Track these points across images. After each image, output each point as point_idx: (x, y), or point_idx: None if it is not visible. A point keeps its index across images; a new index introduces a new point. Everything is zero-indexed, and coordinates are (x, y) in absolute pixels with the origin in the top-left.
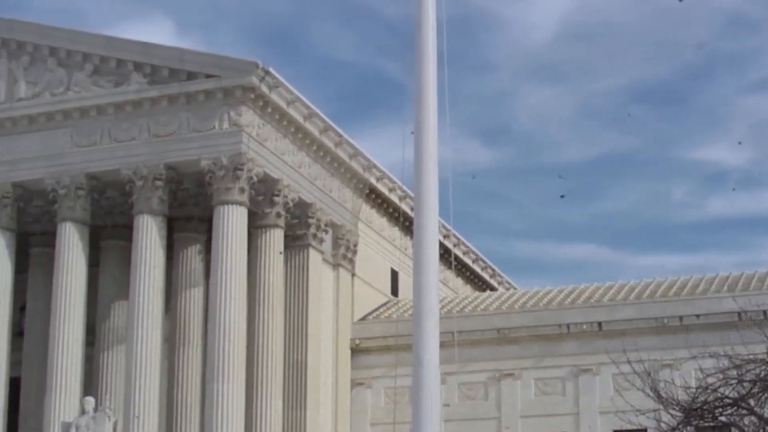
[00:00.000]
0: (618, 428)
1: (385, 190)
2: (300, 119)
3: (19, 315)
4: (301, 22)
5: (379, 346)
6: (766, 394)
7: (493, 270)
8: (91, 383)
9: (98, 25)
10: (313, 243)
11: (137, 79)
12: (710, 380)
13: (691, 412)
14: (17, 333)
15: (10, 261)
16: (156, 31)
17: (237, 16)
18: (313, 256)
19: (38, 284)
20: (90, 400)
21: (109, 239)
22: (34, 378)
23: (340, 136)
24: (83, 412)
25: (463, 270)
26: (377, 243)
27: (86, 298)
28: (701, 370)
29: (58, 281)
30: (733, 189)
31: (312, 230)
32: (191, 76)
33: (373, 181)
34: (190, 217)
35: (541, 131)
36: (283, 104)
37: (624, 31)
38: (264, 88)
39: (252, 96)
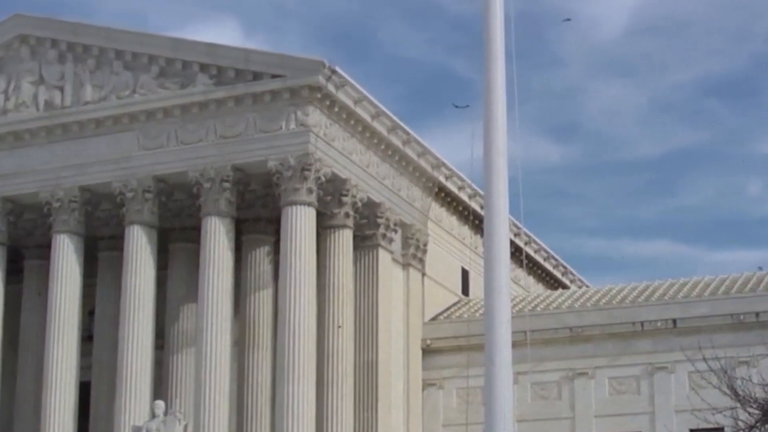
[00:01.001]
0: (694, 427)
1: (454, 189)
2: (367, 118)
3: (89, 319)
4: (367, 21)
5: (451, 346)
6: None
7: (565, 268)
8: (160, 387)
9: (163, 27)
10: (383, 243)
11: (203, 80)
12: None
13: None
14: (87, 337)
15: (78, 265)
16: (222, 33)
17: (303, 17)
18: (383, 256)
19: (107, 288)
20: (160, 404)
21: (177, 242)
22: (104, 382)
23: (408, 134)
24: (153, 415)
25: (534, 268)
26: (447, 242)
27: (155, 301)
28: None
29: (126, 285)
30: None
31: (381, 230)
32: (257, 76)
33: (442, 179)
34: (258, 219)
35: (612, 127)
36: (350, 103)
37: (695, 24)
38: (331, 88)
39: (319, 95)
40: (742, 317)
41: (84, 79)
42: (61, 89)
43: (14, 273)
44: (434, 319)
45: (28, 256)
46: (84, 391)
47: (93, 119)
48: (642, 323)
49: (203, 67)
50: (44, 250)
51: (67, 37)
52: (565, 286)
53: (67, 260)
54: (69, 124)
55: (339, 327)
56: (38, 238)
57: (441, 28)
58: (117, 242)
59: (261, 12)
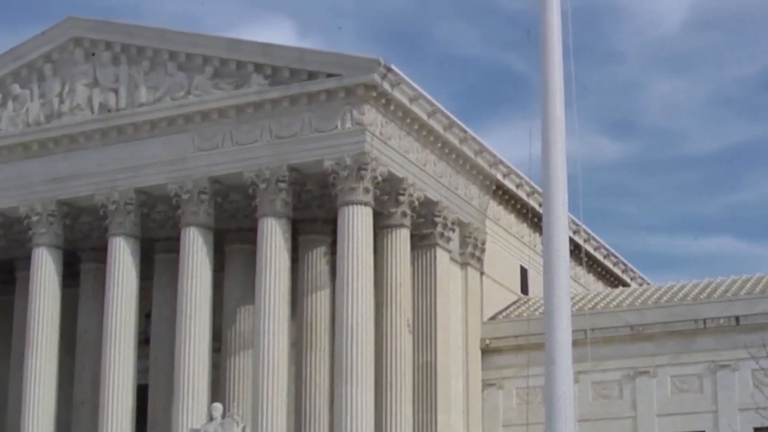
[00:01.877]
0: (759, 425)
1: (512, 186)
2: (424, 116)
3: (145, 322)
4: (422, 20)
5: (510, 346)
6: None
7: (625, 265)
8: (218, 389)
9: (216, 29)
10: (440, 242)
11: (258, 80)
12: None
13: None
14: (143, 340)
15: (135, 268)
16: (276, 33)
17: (357, 16)
18: (441, 256)
19: (164, 290)
20: (218, 407)
21: (234, 243)
22: (162, 385)
23: (464, 132)
24: (211, 418)
25: (594, 266)
26: (505, 240)
27: (212, 303)
28: None
29: (183, 287)
30: None
31: (439, 229)
32: (312, 75)
33: (499, 177)
34: (314, 219)
35: (671, 122)
36: (406, 101)
37: (755, 17)
38: (386, 86)
39: (374, 94)
40: None
41: (138, 81)
42: (116, 91)
43: (71, 276)
44: (493, 318)
45: (85, 260)
46: (141, 394)
47: (148, 121)
48: (704, 321)
49: (258, 67)
50: (100, 253)
51: (121, 38)
52: (625, 284)
53: (123, 263)
54: (124, 126)
55: (408, 327)
56: (94, 241)
57: (496, 24)
58: (173, 244)
59: (315, 12)
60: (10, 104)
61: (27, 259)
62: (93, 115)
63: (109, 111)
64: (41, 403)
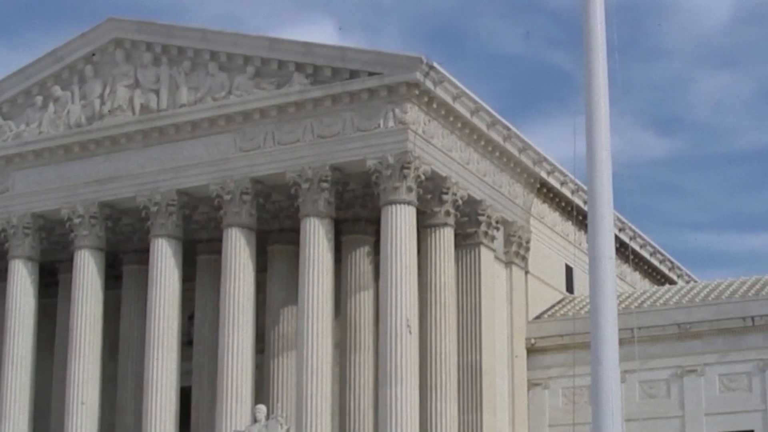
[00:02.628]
0: None
1: (556, 184)
2: (467, 114)
3: (188, 324)
4: (464, 17)
5: (556, 345)
6: None
7: (672, 263)
8: (262, 391)
9: (257, 29)
10: (485, 241)
11: (299, 79)
12: None
13: None
14: (187, 342)
15: (177, 269)
16: (317, 33)
17: (399, 15)
18: (485, 255)
19: (206, 292)
20: (262, 408)
21: (276, 244)
22: (205, 387)
23: (508, 129)
24: (255, 420)
25: (640, 264)
26: (550, 239)
27: (255, 304)
28: None
29: (226, 288)
30: None
31: (483, 228)
32: (354, 74)
33: (544, 175)
34: (357, 219)
35: (718, 118)
36: (448, 99)
37: None
38: (429, 84)
39: (417, 92)
40: None
41: (179, 82)
42: (157, 92)
43: (113, 279)
44: (538, 317)
45: (127, 261)
46: (185, 396)
47: (189, 122)
48: (752, 318)
49: (299, 67)
50: (142, 255)
51: (162, 39)
52: (672, 282)
53: (165, 265)
54: (165, 127)
55: (409, 328)
56: (136, 243)
57: (540, 21)
58: (215, 245)
59: (356, 11)
60: (51, 106)
61: (69, 261)
62: (134, 116)
63: (150, 112)
64: (85, 406)
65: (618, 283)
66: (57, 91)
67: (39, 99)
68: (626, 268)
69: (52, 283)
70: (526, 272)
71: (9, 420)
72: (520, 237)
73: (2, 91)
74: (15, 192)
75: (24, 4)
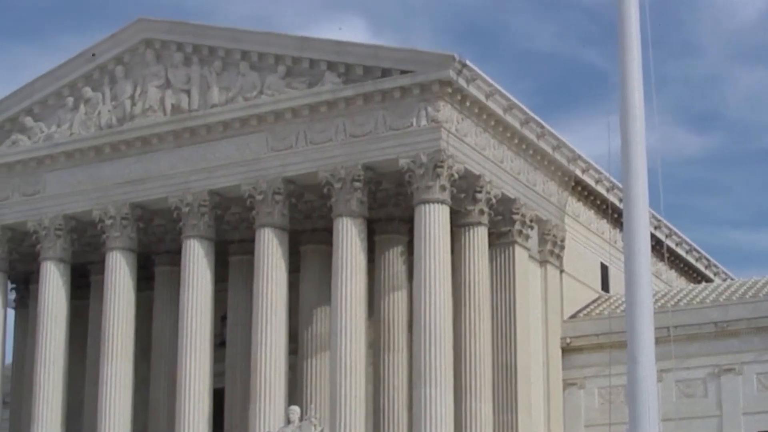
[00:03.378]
0: None
1: (591, 182)
2: (500, 112)
3: (221, 325)
4: (496, 15)
5: (591, 345)
6: None
7: (708, 260)
8: (295, 392)
9: (288, 29)
10: (519, 240)
11: (331, 78)
12: None
13: None
14: (219, 343)
15: (209, 270)
16: (349, 32)
17: (431, 13)
18: (519, 254)
19: (239, 293)
20: (295, 410)
21: (309, 244)
22: (238, 388)
23: (542, 127)
24: (288, 421)
25: (676, 262)
26: (585, 237)
27: (287, 304)
28: None
29: (258, 289)
30: None
31: (517, 226)
32: (386, 73)
33: (578, 172)
34: (390, 218)
35: (754, 114)
36: (481, 97)
37: None
38: (461, 82)
39: (449, 90)
40: None
41: (210, 82)
42: (188, 92)
43: (145, 280)
44: (574, 316)
45: (159, 263)
46: (218, 398)
47: (220, 122)
48: None
49: (331, 66)
50: (175, 256)
51: (193, 39)
52: (708, 280)
53: (197, 266)
54: (196, 127)
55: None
56: (168, 244)
57: (572, 18)
58: (248, 246)
59: (388, 10)
60: (82, 107)
61: (101, 263)
62: (165, 116)
63: (181, 112)
64: (117, 407)
65: (654, 281)
66: (88, 92)
67: (70, 100)
68: (662, 266)
69: (84, 284)
70: (561, 271)
71: (42, 421)
72: (554, 235)
73: (33, 92)
74: (46, 194)
75: (54, 7)
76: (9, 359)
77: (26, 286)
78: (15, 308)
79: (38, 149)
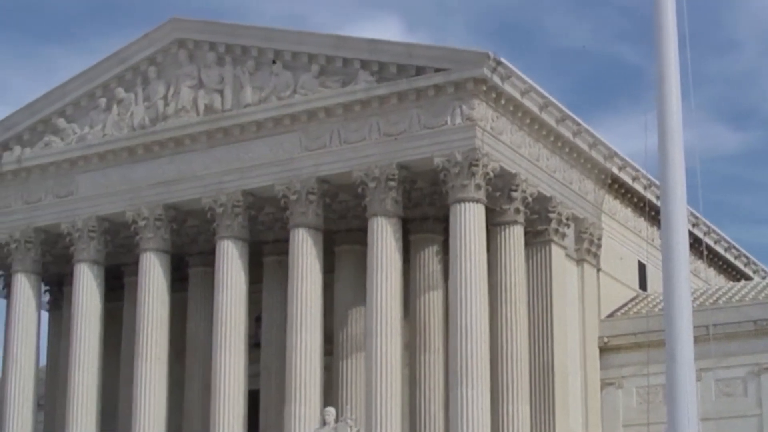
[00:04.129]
0: None
1: (628, 180)
2: (535, 109)
3: (255, 326)
4: (530, 13)
5: (629, 344)
6: None
7: (747, 258)
8: (330, 393)
9: (322, 28)
10: (555, 238)
11: (365, 77)
12: None
13: None
14: (254, 344)
15: (243, 271)
16: (383, 31)
17: (465, 11)
18: (556, 252)
19: (273, 294)
20: (331, 411)
21: (344, 244)
22: (273, 390)
23: (578, 125)
24: (324, 423)
25: (715, 260)
26: (622, 235)
27: (322, 305)
28: None
29: (293, 290)
30: None
31: (553, 225)
32: (420, 71)
33: (615, 170)
34: (425, 218)
35: None
36: (516, 95)
37: None
38: (496, 79)
39: (484, 88)
40: None
41: (243, 81)
42: (221, 92)
43: (179, 281)
44: (611, 315)
45: (193, 264)
46: (253, 399)
47: (254, 122)
48: None
49: (364, 64)
50: (208, 257)
51: (225, 39)
52: (747, 278)
53: (231, 266)
54: (230, 127)
55: None
56: (202, 245)
57: (608, 14)
58: (282, 246)
59: (422, 8)
60: (114, 108)
61: (135, 264)
62: (198, 117)
63: (214, 112)
64: (152, 409)
65: (692, 279)
66: (120, 92)
67: (102, 101)
68: (700, 264)
69: (118, 286)
70: (598, 270)
71: (76, 424)
72: (591, 234)
73: (66, 94)
74: (79, 195)
75: (87, 9)
76: (43, 361)
77: (60, 288)
78: (49, 310)
79: (71, 151)
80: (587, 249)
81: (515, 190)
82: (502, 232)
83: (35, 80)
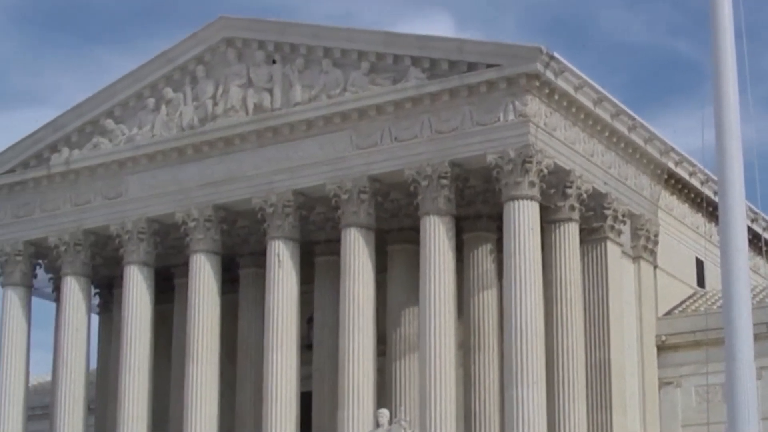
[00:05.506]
0: None
1: (685, 175)
2: (590, 105)
3: (307, 327)
4: (583, 7)
5: (687, 342)
6: None
7: None
8: (384, 395)
9: (373, 26)
10: (611, 235)
11: (416, 74)
12: None
13: None
14: (306, 346)
15: (295, 272)
16: (434, 28)
17: (516, 7)
18: (612, 250)
19: (325, 294)
20: (384, 413)
21: (396, 243)
22: (326, 392)
23: (633, 119)
24: (378, 425)
25: None
26: (679, 231)
27: (375, 305)
28: None
29: (345, 290)
30: None
31: (609, 222)
32: (471, 67)
33: (671, 165)
34: (478, 216)
35: None
36: (570, 90)
37: None
38: (549, 75)
39: (537, 83)
40: None
41: (293, 80)
42: (270, 91)
43: (229, 282)
44: (669, 313)
45: (243, 265)
46: (305, 401)
47: (304, 120)
48: None
49: (415, 61)
50: (259, 258)
51: (274, 37)
52: None
53: (283, 267)
54: (279, 126)
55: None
56: (253, 246)
57: (662, 8)
58: (333, 246)
59: (473, 4)
60: (163, 108)
61: (185, 266)
62: (248, 116)
63: (263, 112)
64: (203, 412)
65: (751, 276)
66: (169, 92)
67: (151, 101)
68: (760, 261)
69: (168, 288)
70: (655, 267)
71: (127, 427)
72: (647, 230)
73: (113, 94)
74: (128, 197)
75: (135, 9)
76: (93, 365)
77: (110, 291)
78: (98, 313)
79: (120, 152)
80: (644, 246)
81: (570, 187)
82: (557, 230)
83: (84, 82)
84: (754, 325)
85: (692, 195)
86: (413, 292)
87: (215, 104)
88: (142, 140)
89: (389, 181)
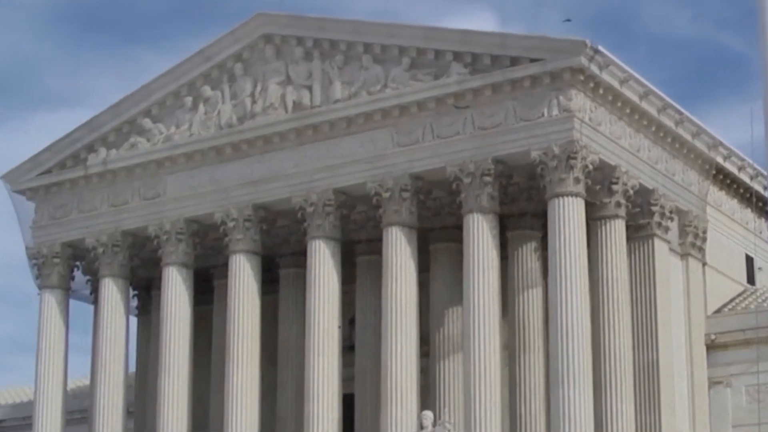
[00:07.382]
0: None
1: (734, 170)
2: (635, 99)
3: (349, 328)
4: (629, 2)
5: (737, 341)
6: None
7: None
8: (427, 396)
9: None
10: (658, 232)
11: (457, 69)
12: None
13: None
14: (348, 347)
15: (336, 272)
16: (476, 24)
17: (561, 3)
18: (659, 247)
19: (367, 294)
20: (428, 415)
21: (439, 242)
22: (368, 393)
23: (680, 113)
24: (421, 427)
25: None
26: (728, 227)
27: (418, 305)
28: None
29: (387, 290)
30: None
31: (656, 218)
32: (514, 62)
33: (719, 160)
34: (522, 213)
35: None
36: (615, 84)
37: None
38: (594, 69)
39: (581, 78)
40: None
41: (332, 77)
42: (309, 88)
43: (269, 283)
44: (718, 311)
45: (283, 265)
46: (347, 403)
47: (344, 118)
48: None
49: (457, 56)
50: (300, 258)
51: (313, 33)
52: None
53: (323, 267)
54: (319, 124)
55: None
56: (293, 246)
57: (709, 2)
58: (375, 246)
59: (517, 1)
60: (201, 107)
61: (224, 266)
62: (287, 114)
63: (303, 109)
64: (244, 414)
65: None
66: (207, 91)
67: (188, 100)
68: None
69: (207, 289)
70: (704, 264)
71: (167, 430)
72: (696, 227)
73: (151, 93)
74: (167, 197)
75: (173, 8)
76: (132, 367)
77: (148, 293)
78: (137, 315)
79: (157, 151)
80: (692, 243)
81: (616, 183)
82: (603, 227)
83: (122, 81)
84: None
85: (741, 190)
86: (457, 292)
87: (254, 102)
88: (180, 139)
89: (431, 179)
